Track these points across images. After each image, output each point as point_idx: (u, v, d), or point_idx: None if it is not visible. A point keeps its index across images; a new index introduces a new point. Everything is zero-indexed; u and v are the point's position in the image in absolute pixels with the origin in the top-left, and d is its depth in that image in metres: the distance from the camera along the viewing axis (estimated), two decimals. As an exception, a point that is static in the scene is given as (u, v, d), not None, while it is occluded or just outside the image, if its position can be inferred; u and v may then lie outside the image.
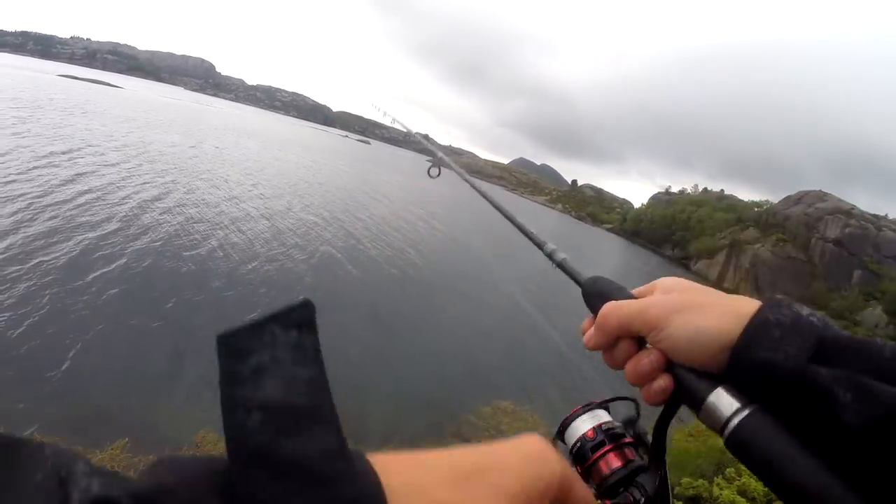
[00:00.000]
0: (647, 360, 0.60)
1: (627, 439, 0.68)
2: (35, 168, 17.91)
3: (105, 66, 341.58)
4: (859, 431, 0.44)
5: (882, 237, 63.95)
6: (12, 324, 8.69)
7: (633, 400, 0.73)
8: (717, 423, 0.53)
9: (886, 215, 71.00)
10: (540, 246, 1.00)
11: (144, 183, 20.90)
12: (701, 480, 5.04)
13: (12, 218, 12.96)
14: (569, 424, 0.71)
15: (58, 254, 11.76)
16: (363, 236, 22.96)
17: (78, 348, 8.63)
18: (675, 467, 6.24)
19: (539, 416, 10.37)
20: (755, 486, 4.72)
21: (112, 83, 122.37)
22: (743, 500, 4.52)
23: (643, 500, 0.61)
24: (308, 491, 0.27)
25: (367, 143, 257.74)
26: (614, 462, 0.65)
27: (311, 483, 0.27)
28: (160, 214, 17.01)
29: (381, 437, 8.20)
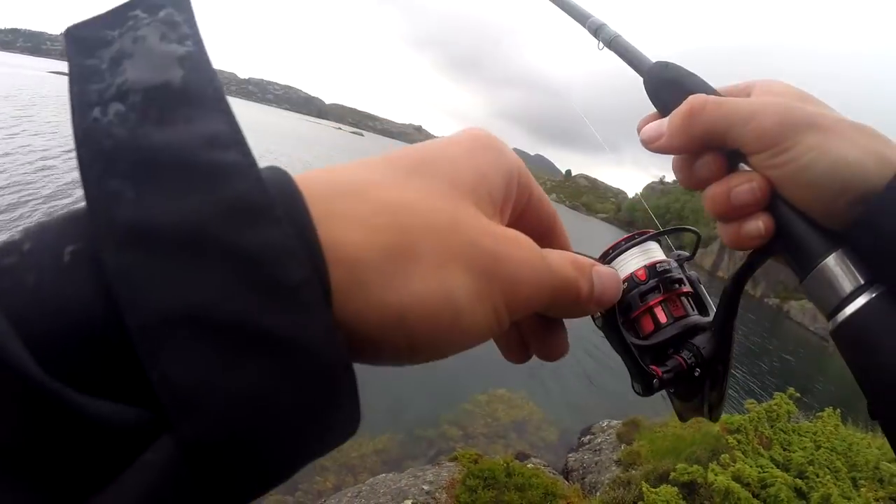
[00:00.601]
0: (747, 186, 0.43)
1: (685, 288, 0.53)
2: (41, 169, 17.82)
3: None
4: None
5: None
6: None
7: (697, 233, 0.59)
8: (826, 299, 0.41)
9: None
10: (582, 20, 0.74)
11: None
12: (696, 466, 5.05)
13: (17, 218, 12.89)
14: (614, 254, 0.54)
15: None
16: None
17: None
18: (671, 453, 6.26)
19: (535, 403, 10.38)
20: (749, 471, 4.71)
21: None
22: (737, 485, 4.51)
23: (697, 368, 0.48)
24: (188, 193, 0.19)
25: (361, 135, 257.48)
26: (667, 315, 0.51)
27: (191, 181, 0.20)
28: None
29: (374, 427, 8.17)
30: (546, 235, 0.37)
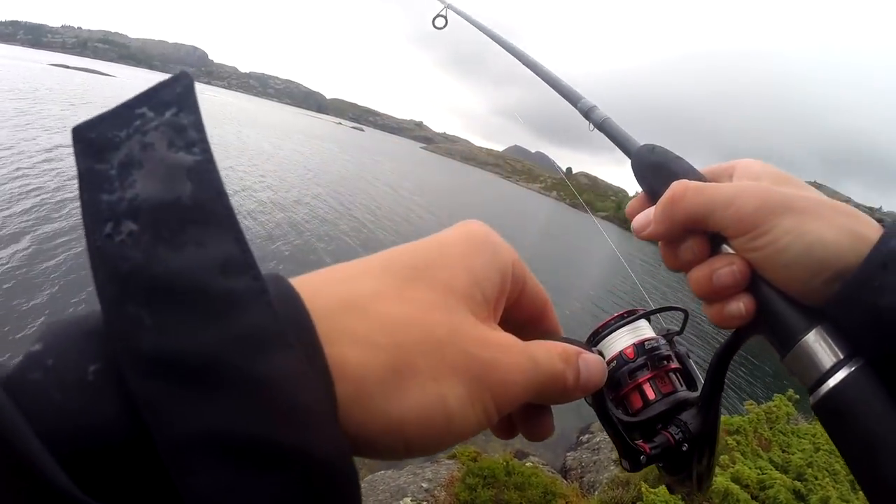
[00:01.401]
0: (728, 269, 0.45)
1: (673, 364, 0.55)
2: (45, 161, 17.77)
3: (96, 55, 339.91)
4: None
5: (876, 227, 64.35)
6: (14, 321, 8.65)
7: (685, 311, 0.59)
8: (808, 374, 0.41)
9: (881, 208, 71.28)
10: (574, 101, 0.80)
11: None
12: (695, 468, 5.06)
13: (28, 213, 12.87)
14: (604, 336, 0.57)
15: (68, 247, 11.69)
16: (370, 222, 22.91)
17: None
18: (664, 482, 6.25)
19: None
20: (748, 473, 4.73)
21: (104, 72, 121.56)
22: (736, 486, 4.52)
23: (685, 444, 0.49)
24: (205, 323, 0.21)
25: (361, 130, 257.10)
26: (655, 392, 0.53)
27: (207, 310, 0.21)
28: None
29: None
30: (538, 319, 0.39)
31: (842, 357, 0.40)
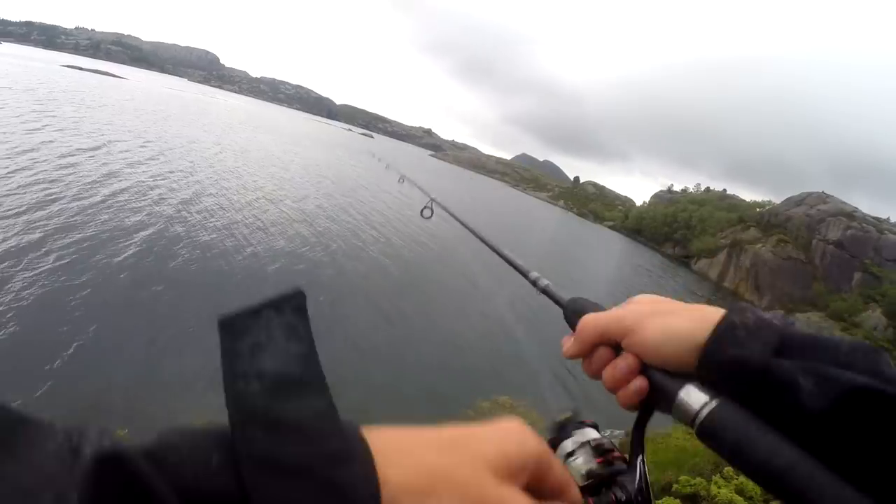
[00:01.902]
0: (623, 363, 0.63)
1: (616, 453, 0.68)
2: (69, 165, 17.89)
3: (109, 57, 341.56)
4: (822, 414, 0.47)
5: (884, 240, 63.81)
6: (14, 314, 8.70)
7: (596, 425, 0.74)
8: (688, 417, 0.56)
9: (888, 218, 70.88)
10: (525, 274, 1.12)
11: (175, 181, 20.92)
12: (699, 479, 5.05)
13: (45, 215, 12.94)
14: (558, 443, 0.72)
15: (79, 245, 11.74)
16: (374, 240, 22.91)
17: (79, 338, 8.62)
18: (673, 465, 6.25)
19: (537, 412, 10.37)
20: (753, 485, 4.71)
21: (116, 74, 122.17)
22: (741, 498, 4.52)
23: (624, 498, 0.62)
24: (299, 446, 0.30)
25: (371, 136, 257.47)
26: (595, 467, 0.66)
27: (302, 440, 0.30)
28: (178, 212, 16.94)
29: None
30: (561, 496, 0.47)
31: (707, 399, 0.55)
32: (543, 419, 10.33)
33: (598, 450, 0.68)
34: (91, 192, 15.82)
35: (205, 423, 0.33)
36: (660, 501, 4.68)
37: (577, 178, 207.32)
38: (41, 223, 12.42)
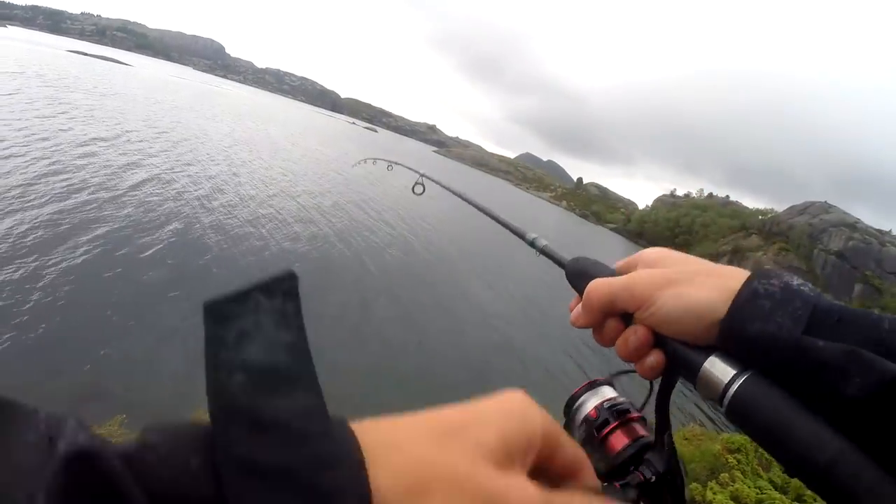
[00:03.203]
0: (634, 337, 0.59)
1: (634, 414, 0.66)
2: (88, 154, 17.93)
3: (114, 44, 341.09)
4: (860, 402, 0.43)
5: (885, 252, 63.96)
6: (10, 302, 8.72)
7: (635, 371, 0.69)
8: (714, 392, 0.51)
9: (891, 231, 70.99)
10: (522, 236, 1.06)
11: (194, 174, 20.87)
12: (695, 484, 5.06)
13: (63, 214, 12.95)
14: (573, 405, 0.71)
15: (91, 237, 11.76)
16: (381, 234, 22.93)
17: (73, 325, 8.64)
18: None
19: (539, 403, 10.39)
20: (748, 492, 4.73)
21: (121, 60, 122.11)
22: (735, 505, 4.54)
23: (654, 477, 0.59)
24: (284, 448, 0.28)
25: (375, 131, 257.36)
26: (621, 440, 0.64)
27: (287, 440, 0.28)
28: (201, 205, 16.91)
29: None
30: (573, 476, 0.44)
31: (735, 373, 0.50)
32: (548, 407, 10.32)
33: (616, 412, 0.66)
34: (113, 185, 15.64)
35: (194, 420, 0.31)
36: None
37: (580, 180, 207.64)
38: (65, 215, 12.41)
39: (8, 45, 63.35)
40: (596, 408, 0.68)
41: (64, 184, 14.43)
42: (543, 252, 0.94)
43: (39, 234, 11.05)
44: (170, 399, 7.54)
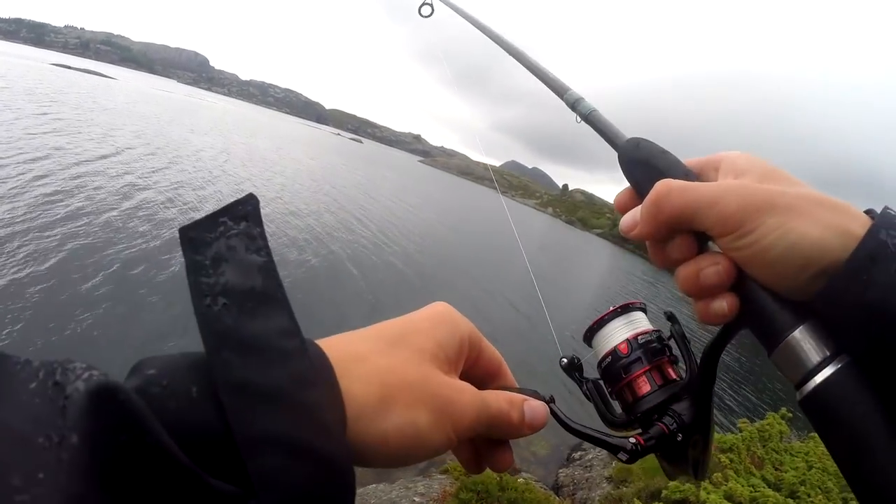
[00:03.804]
0: (713, 269, 0.47)
1: (667, 357, 0.57)
2: (86, 174, 17.74)
3: (98, 57, 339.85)
4: None
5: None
6: (6, 295, 8.62)
7: (670, 314, 0.60)
8: (794, 371, 0.42)
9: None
10: (560, 93, 0.80)
11: (196, 192, 20.71)
12: (688, 485, 5.06)
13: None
14: (599, 329, 0.60)
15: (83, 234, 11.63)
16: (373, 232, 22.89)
17: (69, 315, 8.54)
18: (662, 470, 6.25)
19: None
20: (742, 490, 4.73)
21: (106, 74, 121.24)
22: (729, 504, 4.54)
23: (679, 434, 0.51)
24: (271, 368, 0.31)
25: (360, 141, 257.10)
26: (648, 385, 0.55)
27: (272, 361, 0.31)
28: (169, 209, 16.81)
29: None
30: (495, 376, 0.50)
31: (828, 354, 0.41)
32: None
33: (650, 350, 0.56)
34: (114, 204, 15.58)
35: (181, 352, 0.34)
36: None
37: (565, 186, 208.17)
38: (70, 238, 12.26)
39: (-8, 60, 62.78)
40: (628, 340, 0.57)
41: (61, 200, 14.23)
42: (589, 121, 0.72)
43: (41, 247, 10.92)
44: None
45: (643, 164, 0.56)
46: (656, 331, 0.58)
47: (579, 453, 8.85)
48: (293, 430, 0.30)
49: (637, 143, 0.58)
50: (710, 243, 0.48)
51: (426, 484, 6.12)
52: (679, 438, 0.52)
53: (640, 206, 0.51)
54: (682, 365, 0.57)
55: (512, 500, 5.39)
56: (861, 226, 0.41)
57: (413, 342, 0.42)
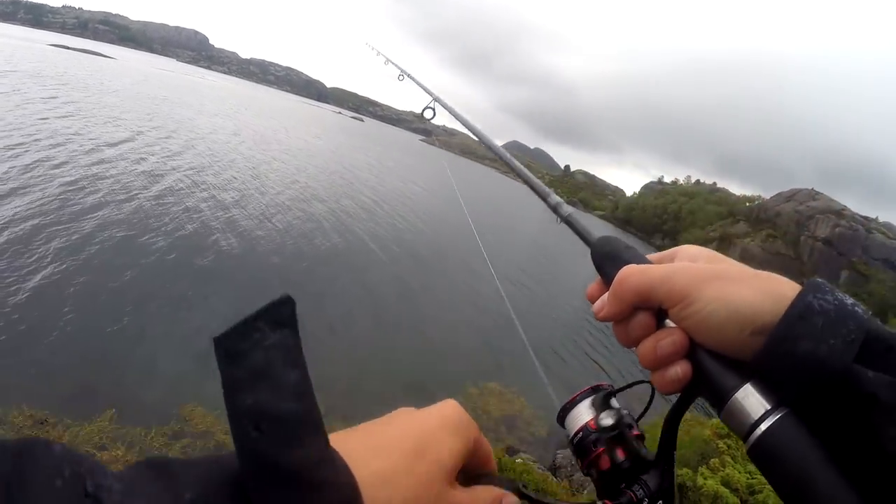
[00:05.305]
0: (668, 339, 0.52)
1: (635, 432, 0.60)
2: (104, 161, 17.75)
3: (96, 37, 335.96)
4: None
5: (871, 239, 64.58)
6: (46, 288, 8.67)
7: (650, 383, 0.62)
8: (740, 426, 0.47)
9: (877, 218, 71.60)
10: (544, 197, 0.90)
11: (216, 176, 21.08)
12: (685, 469, 5.09)
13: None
14: (570, 410, 0.65)
15: (79, 231, 11.61)
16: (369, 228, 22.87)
17: (64, 321, 8.56)
18: (660, 456, 6.28)
19: (525, 399, 10.48)
20: (738, 477, 4.77)
21: (105, 54, 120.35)
22: (726, 490, 4.57)
23: (646, 499, 0.55)
24: (306, 499, 0.31)
25: (361, 120, 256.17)
26: (617, 456, 0.58)
27: (308, 491, 0.32)
28: (231, 211, 16.75)
29: (366, 416, 8.19)
30: (483, 465, 0.52)
31: (768, 408, 0.45)
32: (531, 407, 10.44)
33: (615, 427, 0.60)
34: (138, 191, 15.77)
35: (211, 456, 0.35)
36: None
37: (567, 167, 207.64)
38: (96, 227, 12.24)
39: (-6, 42, 62.27)
40: (594, 419, 0.62)
41: (75, 187, 14.31)
42: (567, 222, 0.81)
43: (47, 234, 10.91)
44: (160, 395, 7.50)
45: (611, 256, 0.64)
46: (623, 409, 0.63)
47: (578, 436, 8.88)
48: None
49: (607, 240, 0.67)
50: (667, 321, 0.53)
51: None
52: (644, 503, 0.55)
53: (607, 293, 0.58)
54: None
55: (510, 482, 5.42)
56: (792, 290, 0.47)
57: (432, 456, 0.43)
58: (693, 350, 0.51)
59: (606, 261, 0.64)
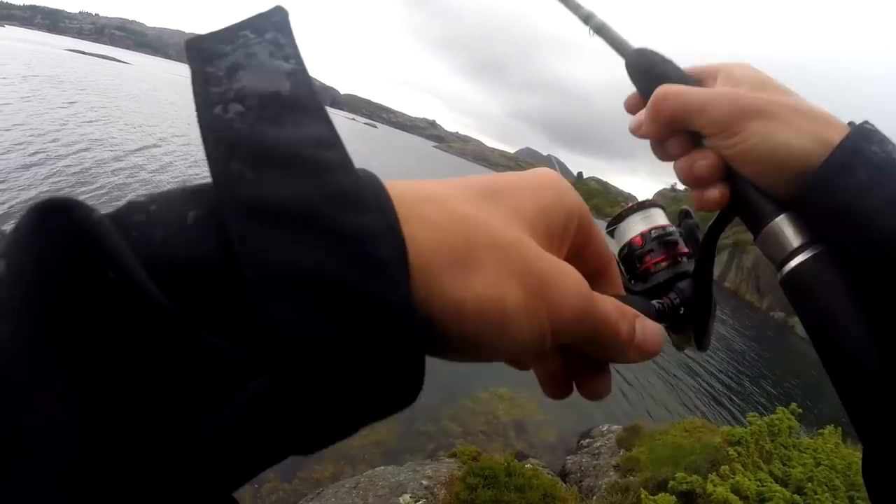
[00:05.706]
0: (703, 162, 0.52)
1: (681, 248, 0.60)
2: (130, 167, 17.93)
3: (113, 42, 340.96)
4: None
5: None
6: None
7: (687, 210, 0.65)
8: (776, 254, 0.48)
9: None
10: (573, 9, 0.80)
11: None
12: (695, 476, 5.06)
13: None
14: (618, 223, 0.65)
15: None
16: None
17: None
18: (670, 462, 6.27)
19: (536, 404, 10.42)
20: (749, 484, 4.73)
21: (121, 59, 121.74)
22: (736, 498, 4.53)
23: (681, 306, 0.55)
24: (297, 181, 0.22)
25: (375, 126, 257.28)
26: (658, 266, 0.59)
27: (300, 173, 0.23)
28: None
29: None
30: (600, 276, 0.39)
31: (806, 241, 0.45)
32: (541, 412, 10.42)
33: (664, 243, 0.60)
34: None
35: None
36: (655, 498, 4.70)
37: (580, 174, 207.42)
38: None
39: (11, 46, 63.05)
40: (642, 234, 0.61)
41: (113, 192, 14.49)
42: (600, 33, 0.74)
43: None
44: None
45: (648, 70, 0.61)
46: (671, 225, 0.63)
47: (588, 440, 8.85)
48: (328, 263, 0.21)
49: (643, 52, 0.63)
50: (704, 141, 0.53)
51: (434, 467, 6.16)
52: (682, 312, 0.56)
53: (644, 109, 0.56)
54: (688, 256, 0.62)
55: (519, 486, 5.41)
56: (839, 135, 0.45)
57: (508, 200, 0.31)
58: (731, 175, 0.51)
59: (643, 75, 0.62)
